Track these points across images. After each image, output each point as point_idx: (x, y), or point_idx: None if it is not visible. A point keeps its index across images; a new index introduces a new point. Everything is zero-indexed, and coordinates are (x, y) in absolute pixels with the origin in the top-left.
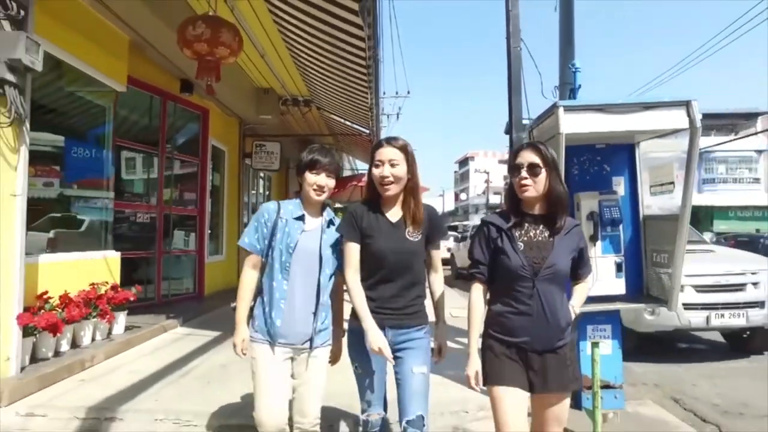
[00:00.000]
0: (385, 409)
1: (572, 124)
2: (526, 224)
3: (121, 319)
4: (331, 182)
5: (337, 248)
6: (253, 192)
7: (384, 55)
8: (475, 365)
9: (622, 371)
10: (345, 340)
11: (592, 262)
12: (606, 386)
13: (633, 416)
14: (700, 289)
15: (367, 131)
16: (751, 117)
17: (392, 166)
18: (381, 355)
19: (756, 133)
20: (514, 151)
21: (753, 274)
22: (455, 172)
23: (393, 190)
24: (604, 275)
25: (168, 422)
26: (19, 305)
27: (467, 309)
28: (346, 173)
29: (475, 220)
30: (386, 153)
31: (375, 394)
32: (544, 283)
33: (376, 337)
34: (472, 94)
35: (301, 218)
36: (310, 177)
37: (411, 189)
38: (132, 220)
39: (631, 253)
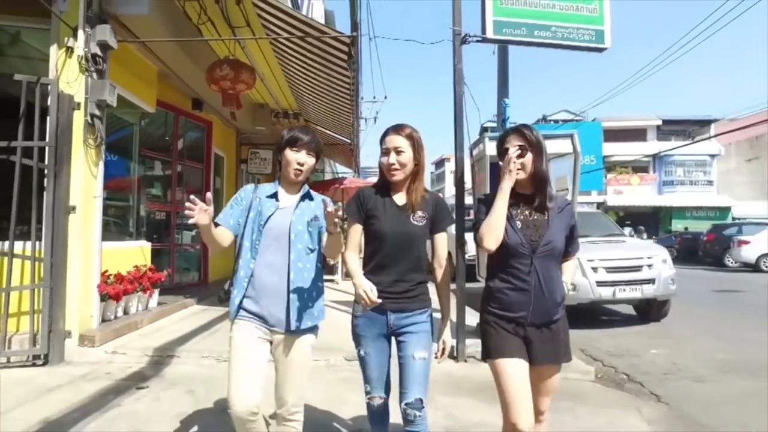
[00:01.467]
0: (388, 393)
1: (494, 149)
2: (521, 204)
3: (155, 295)
4: (311, 161)
5: (316, 224)
6: None
7: (362, 60)
8: (365, 284)
9: None
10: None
11: None
12: None
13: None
14: (610, 270)
15: (349, 141)
16: (705, 123)
17: (398, 153)
18: (370, 304)
19: (709, 137)
20: (502, 136)
21: (648, 258)
22: (431, 173)
23: (398, 176)
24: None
25: (211, 359)
26: (97, 278)
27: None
28: (328, 176)
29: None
30: (392, 141)
31: (378, 378)
32: (541, 259)
33: (362, 282)
34: (448, 96)
35: (273, 196)
36: (291, 154)
37: (415, 174)
38: (152, 217)
39: None
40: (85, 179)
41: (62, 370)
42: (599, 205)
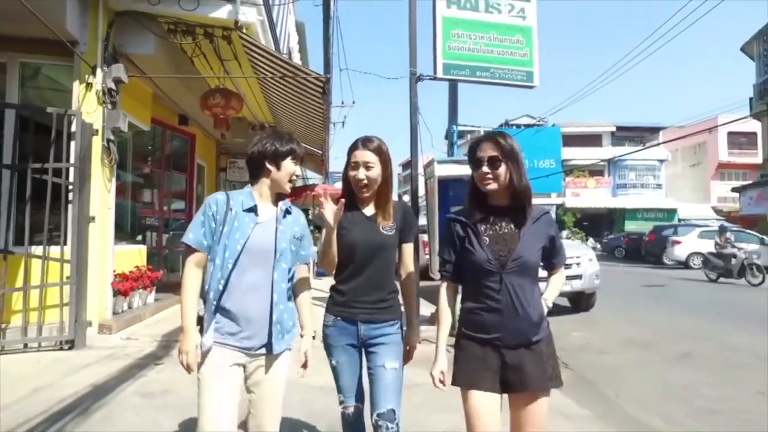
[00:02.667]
0: (362, 402)
1: (442, 170)
2: (492, 217)
3: (153, 292)
4: (298, 167)
5: (298, 240)
6: None
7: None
8: (440, 365)
9: None
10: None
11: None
12: None
13: None
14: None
15: (320, 152)
16: (655, 131)
17: (367, 168)
18: (331, 222)
19: (658, 144)
20: (474, 144)
21: (577, 257)
22: (399, 174)
23: (367, 192)
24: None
25: None
26: (111, 276)
27: (437, 308)
28: (298, 183)
29: (419, 221)
30: (362, 155)
31: (351, 387)
32: (512, 276)
33: (328, 210)
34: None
35: (252, 209)
36: (290, 165)
37: (384, 187)
38: (144, 222)
39: None
40: (101, 193)
41: (88, 352)
42: (558, 206)
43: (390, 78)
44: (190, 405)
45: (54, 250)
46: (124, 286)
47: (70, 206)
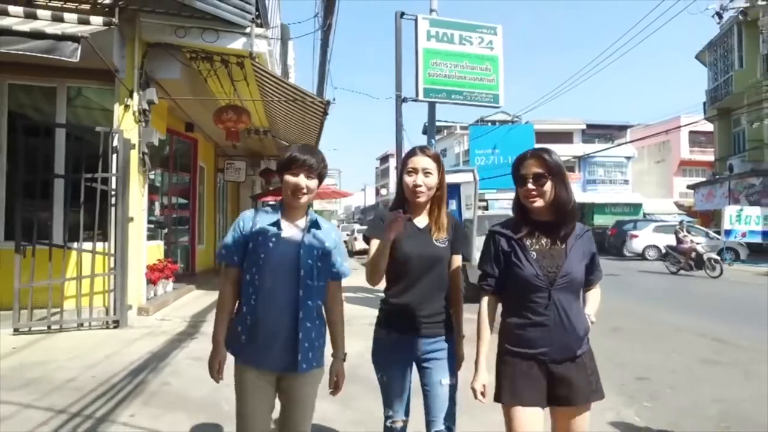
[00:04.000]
0: (407, 415)
1: None
2: (537, 233)
3: (171, 281)
4: (312, 183)
5: (325, 255)
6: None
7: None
8: (482, 378)
9: None
10: (347, 356)
11: None
12: None
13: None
14: None
15: None
16: (623, 129)
17: (425, 175)
18: (397, 227)
19: (626, 143)
20: (518, 160)
21: None
22: (376, 168)
23: (423, 198)
24: None
25: None
26: (144, 268)
27: (477, 321)
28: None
29: None
30: (420, 162)
31: (400, 402)
32: (560, 292)
33: (390, 214)
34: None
35: (275, 224)
36: (289, 178)
37: (438, 197)
38: (157, 220)
39: None
40: (137, 197)
41: (132, 330)
42: None
43: (378, 98)
44: (228, 366)
45: (99, 246)
46: (153, 275)
47: (113, 209)
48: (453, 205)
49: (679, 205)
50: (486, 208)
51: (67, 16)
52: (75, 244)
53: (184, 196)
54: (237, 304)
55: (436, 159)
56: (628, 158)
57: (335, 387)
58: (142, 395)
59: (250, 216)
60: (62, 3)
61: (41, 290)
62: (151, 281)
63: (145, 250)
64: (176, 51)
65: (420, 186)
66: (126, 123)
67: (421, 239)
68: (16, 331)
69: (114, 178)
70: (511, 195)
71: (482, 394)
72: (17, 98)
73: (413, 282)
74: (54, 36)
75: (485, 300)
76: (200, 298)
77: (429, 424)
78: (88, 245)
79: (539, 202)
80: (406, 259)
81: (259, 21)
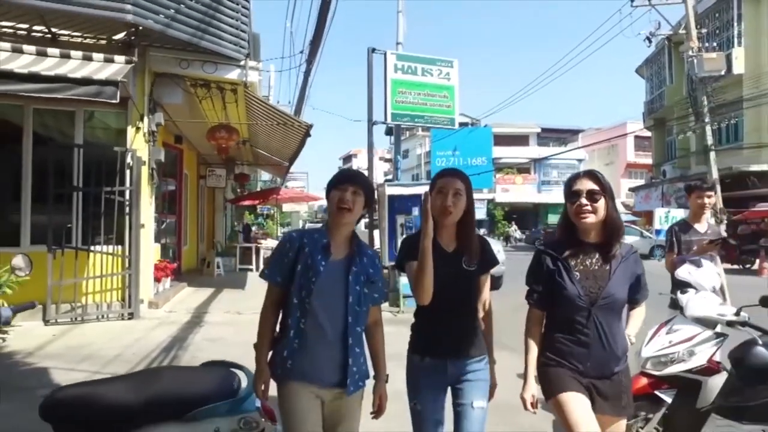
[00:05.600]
0: None
1: (390, 190)
2: (582, 254)
3: (169, 279)
4: (358, 202)
5: (370, 282)
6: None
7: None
8: (531, 389)
9: None
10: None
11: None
12: (407, 296)
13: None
14: None
15: (287, 163)
16: (575, 132)
17: (455, 195)
18: (427, 226)
19: (578, 148)
20: (571, 178)
21: None
22: (339, 168)
23: (452, 219)
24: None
25: (232, 312)
26: (152, 267)
27: (525, 333)
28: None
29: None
30: (452, 183)
31: (435, 428)
32: (601, 311)
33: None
34: (358, 91)
35: (325, 248)
36: (335, 193)
37: (467, 222)
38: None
39: None
40: (147, 207)
41: (145, 321)
42: (489, 201)
43: (352, 120)
44: (242, 345)
45: (113, 249)
46: (158, 274)
47: (127, 217)
48: (415, 212)
49: (625, 206)
50: None
51: (95, 56)
52: (96, 248)
53: (171, 201)
54: (280, 327)
55: (465, 181)
56: (580, 161)
57: (378, 409)
58: (179, 364)
59: (298, 237)
60: (81, 39)
61: (66, 288)
62: (156, 279)
63: (152, 252)
64: (180, 80)
65: (450, 206)
66: (137, 143)
67: (451, 263)
68: (47, 322)
69: (128, 191)
70: (474, 195)
71: (532, 405)
72: (41, 120)
73: (444, 305)
74: (99, 81)
75: (532, 313)
76: (194, 294)
77: None
78: (105, 248)
79: (591, 218)
80: (438, 283)
81: (249, 54)
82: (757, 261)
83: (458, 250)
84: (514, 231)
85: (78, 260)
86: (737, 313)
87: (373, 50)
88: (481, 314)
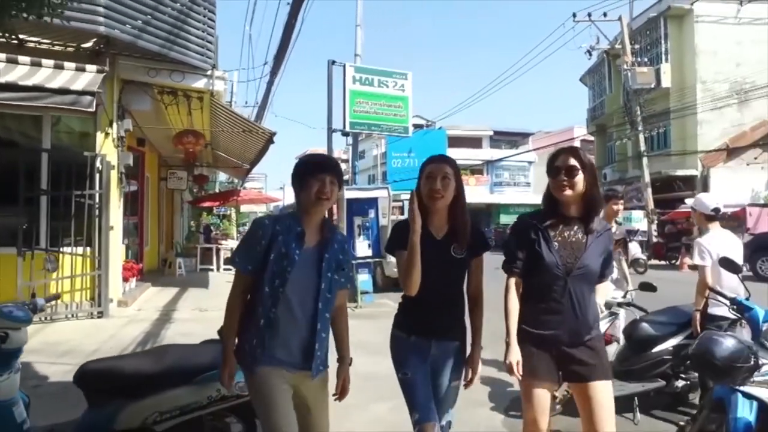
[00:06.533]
0: (437, 419)
1: (348, 194)
2: (561, 225)
3: (135, 279)
4: (335, 189)
5: (340, 268)
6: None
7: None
8: (515, 355)
9: (371, 287)
10: (348, 358)
11: (358, 245)
12: (364, 292)
13: (376, 303)
14: None
15: (248, 166)
16: (526, 136)
17: (444, 179)
18: (415, 223)
19: (529, 151)
20: (553, 154)
21: None
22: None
23: (441, 203)
24: (363, 248)
25: (197, 311)
26: (120, 268)
27: (504, 301)
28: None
29: None
30: (439, 168)
31: (427, 399)
32: (575, 281)
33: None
34: (316, 95)
35: (299, 235)
36: (313, 182)
37: (458, 204)
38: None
39: (374, 239)
40: (116, 210)
41: (116, 319)
42: None
43: (312, 128)
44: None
45: (83, 250)
46: (125, 274)
47: (97, 219)
48: (372, 214)
49: None
50: (402, 211)
51: (66, 64)
52: (66, 249)
53: (134, 202)
54: (247, 315)
55: (454, 166)
56: (530, 163)
57: (342, 392)
58: None
59: (270, 223)
60: (49, 46)
61: (37, 288)
62: (125, 279)
63: (120, 253)
64: (148, 87)
65: (438, 189)
66: (106, 147)
67: (438, 250)
68: None
69: (98, 194)
70: None
71: (518, 370)
72: (5, 124)
73: (430, 291)
74: (76, 91)
75: (512, 281)
76: (160, 293)
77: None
78: (75, 249)
79: (568, 192)
80: (424, 270)
81: (215, 65)
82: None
83: (448, 236)
84: None
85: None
86: (624, 296)
87: (333, 62)
88: (472, 301)
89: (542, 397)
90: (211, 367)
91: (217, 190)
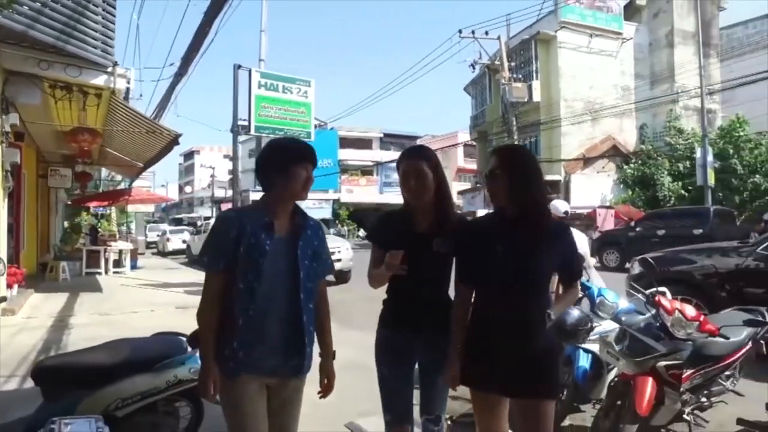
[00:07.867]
0: (411, 424)
1: (254, 196)
2: (507, 229)
3: (17, 285)
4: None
5: (316, 254)
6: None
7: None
8: (456, 366)
9: None
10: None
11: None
12: None
13: None
14: None
15: (141, 164)
16: (414, 139)
17: (417, 176)
18: (399, 266)
19: None
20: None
21: (338, 247)
22: (180, 164)
23: (424, 198)
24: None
25: (97, 315)
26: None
27: (453, 311)
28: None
29: (201, 212)
30: (412, 165)
31: (402, 402)
32: (521, 287)
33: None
34: (218, 88)
35: (268, 225)
36: (301, 172)
37: (441, 197)
38: None
39: None
40: (1, 210)
41: (4, 328)
42: (334, 201)
43: (220, 130)
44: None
45: None
46: (9, 280)
47: None
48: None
49: (457, 206)
50: None
51: None
52: None
53: (9, 201)
54: (224, 318)
55: (429, 159)
56: None
57: (326, 388)
58: None
59: (236, 217)
60: None
61: None
62: (9, 285)
63: (5, 257)
64: (38, 80)
65: (413, 187)
66: None
67: (421, 245)
68: None
69: None
70: (318, 195)
71: (454, 383)
72: None
73: (414, 285)
74: None
75: (459, 289)
76: (47, 300)
77: (422, 408)
78: None
79: (493, 198)
80: (407, 263)
81: (117, 63)
82: None
83: (431, 230)
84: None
85: None
86: None
87: (239, 67)
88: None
89: (490, 402)
90: (167, 355)
91: (100, 189)
